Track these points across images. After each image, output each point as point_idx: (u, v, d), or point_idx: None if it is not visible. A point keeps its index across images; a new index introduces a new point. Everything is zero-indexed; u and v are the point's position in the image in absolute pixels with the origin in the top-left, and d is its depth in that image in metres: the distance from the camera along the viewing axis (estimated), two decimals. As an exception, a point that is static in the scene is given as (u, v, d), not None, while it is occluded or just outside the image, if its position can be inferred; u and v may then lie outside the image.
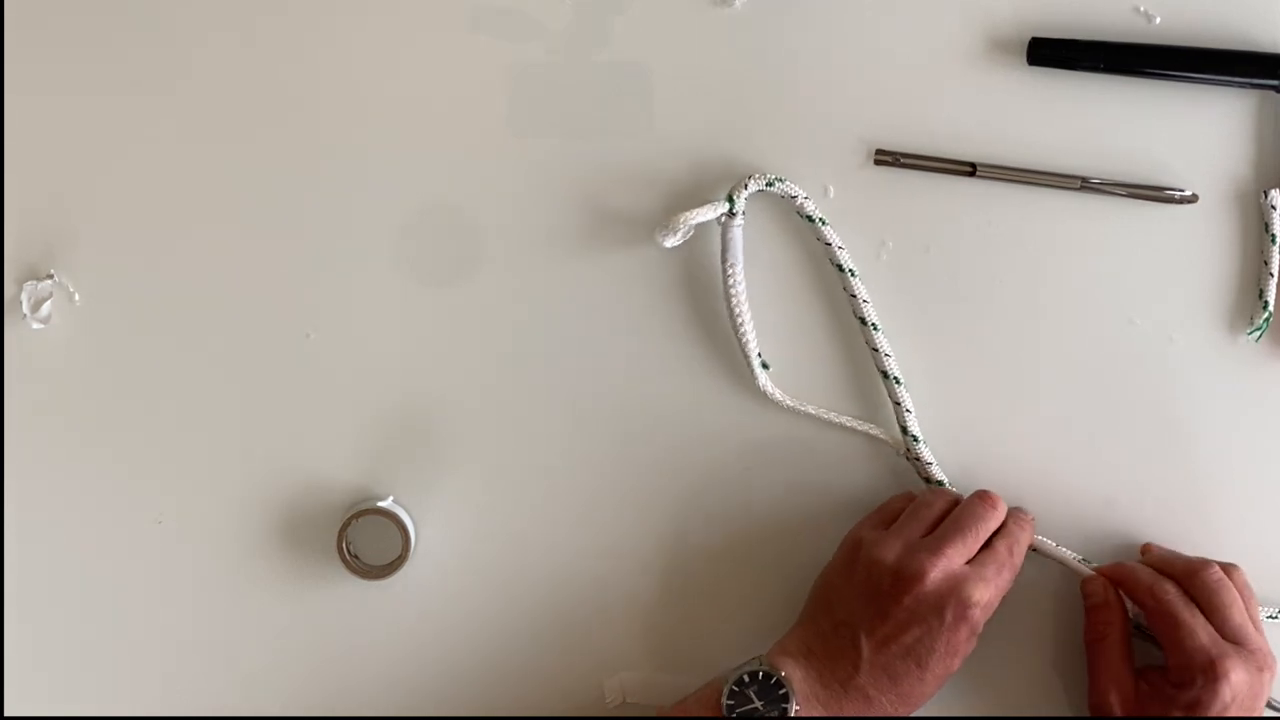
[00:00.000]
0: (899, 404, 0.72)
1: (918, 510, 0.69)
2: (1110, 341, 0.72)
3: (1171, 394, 0.72)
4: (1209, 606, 0.67)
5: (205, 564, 0.75)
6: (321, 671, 0.75)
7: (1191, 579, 0.68)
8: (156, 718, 0.75)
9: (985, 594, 0.66)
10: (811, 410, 0.72)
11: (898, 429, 0.72)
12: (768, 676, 0.66)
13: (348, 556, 0.73)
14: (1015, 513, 0.70)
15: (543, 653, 0.75)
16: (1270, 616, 0.71)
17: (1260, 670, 0.65)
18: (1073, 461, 0.72)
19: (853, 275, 0.71)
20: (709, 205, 0.70)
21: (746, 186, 0.70)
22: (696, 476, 0.74)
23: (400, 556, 0.73)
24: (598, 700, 0.75)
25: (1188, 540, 0.71)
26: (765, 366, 0.72)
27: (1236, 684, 0.64)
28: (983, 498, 0.69)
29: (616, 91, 0.72)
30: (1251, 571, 0.72)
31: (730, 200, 0.70)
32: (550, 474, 0.74)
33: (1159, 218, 0.71)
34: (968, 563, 0.67)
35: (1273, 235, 0.70)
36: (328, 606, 0.75)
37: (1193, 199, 0.71)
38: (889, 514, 0.71)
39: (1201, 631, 0.66)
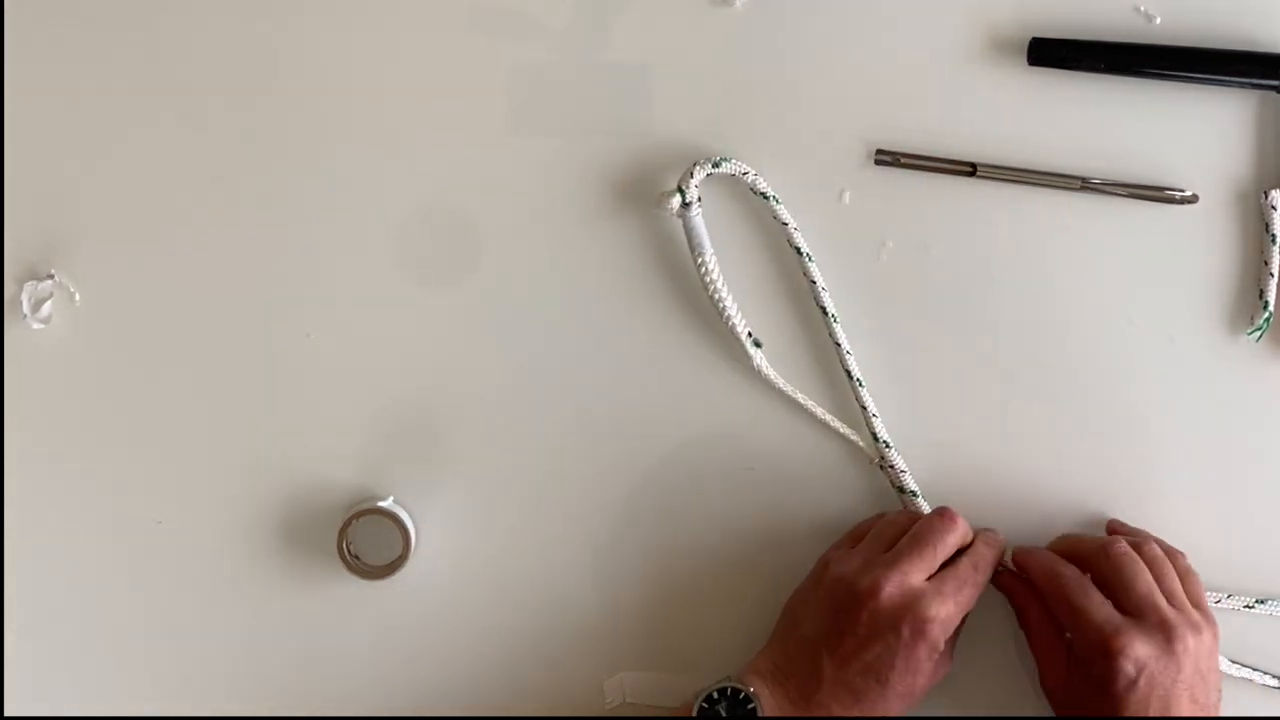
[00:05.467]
0: (864, 408, 0.71)
1: (882, 529, 0.69)
2: (1110, 341, 0.72)
3: (1171, 394, 0.72)
4: (1112, 583, 0.66)
5: (205, 564, 0.75)
6: (321, 671, 0.75)
7: (1096, 557, 0.67)
8: (156, 718, 0.75)
9: (942, 610, 0.65)
10: (802, 399, 0.72)
11: (869, 434, 0.72)
12: (735, 692, 0.66)
13: (348, 556, 0.73)
14: (984, 533, 0.70)
15: (542, 653, 0.75)
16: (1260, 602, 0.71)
17: (1169, 641, 0.63)
18: (1072, 462, 0.72)
19: (809, 260, 0.71)
20: (672, 196, 0.70)
21: (693, 174, 0.69)
22: (696, 477, 0.74)
23: (400, 556, 0.73)
24: (598, 700, 0.75)
25: (1188, 540, 0.71)
26: (758, 345, 0.71)
27: (1139, 658, 0.62)
28: (941, 514, 0.68)
29: (616, 91, 0.72)
30: (1252, 570, 0.72)
31: (680, 191, 0.70)
32: (550, 474, 0.74)
33: (1159, 218, 0.71)
34: (929, 579, 0.66)
35: (1273, 235, 0.70)
36: (328, 606, 0.75)
37: (1193, 199, 0.71)
38: (858, 535, 0.71)
39: (1096, 611, 0.64)
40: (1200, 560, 0.70)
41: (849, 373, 0.72)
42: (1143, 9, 0.70)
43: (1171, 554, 0.69)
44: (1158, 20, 0.70)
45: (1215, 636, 0.65)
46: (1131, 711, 0.62)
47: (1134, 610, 0.65)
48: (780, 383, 0.72)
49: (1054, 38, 0.70)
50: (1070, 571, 0.67)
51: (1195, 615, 0.65)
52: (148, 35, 0.72)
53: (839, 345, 0.72)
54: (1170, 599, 0.65)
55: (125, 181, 0.73)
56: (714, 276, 0.71)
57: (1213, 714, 0.64)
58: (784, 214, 0.71)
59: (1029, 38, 0.70)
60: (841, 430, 0.72)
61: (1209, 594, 0.70)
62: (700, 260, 0.70)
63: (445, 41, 0.72)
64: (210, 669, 0.75)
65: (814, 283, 0.71)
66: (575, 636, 0.75)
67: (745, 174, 0.70)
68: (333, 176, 0.73)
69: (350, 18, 0.72)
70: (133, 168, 0.73)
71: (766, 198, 0.71)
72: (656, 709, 0.74)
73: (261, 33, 0.72)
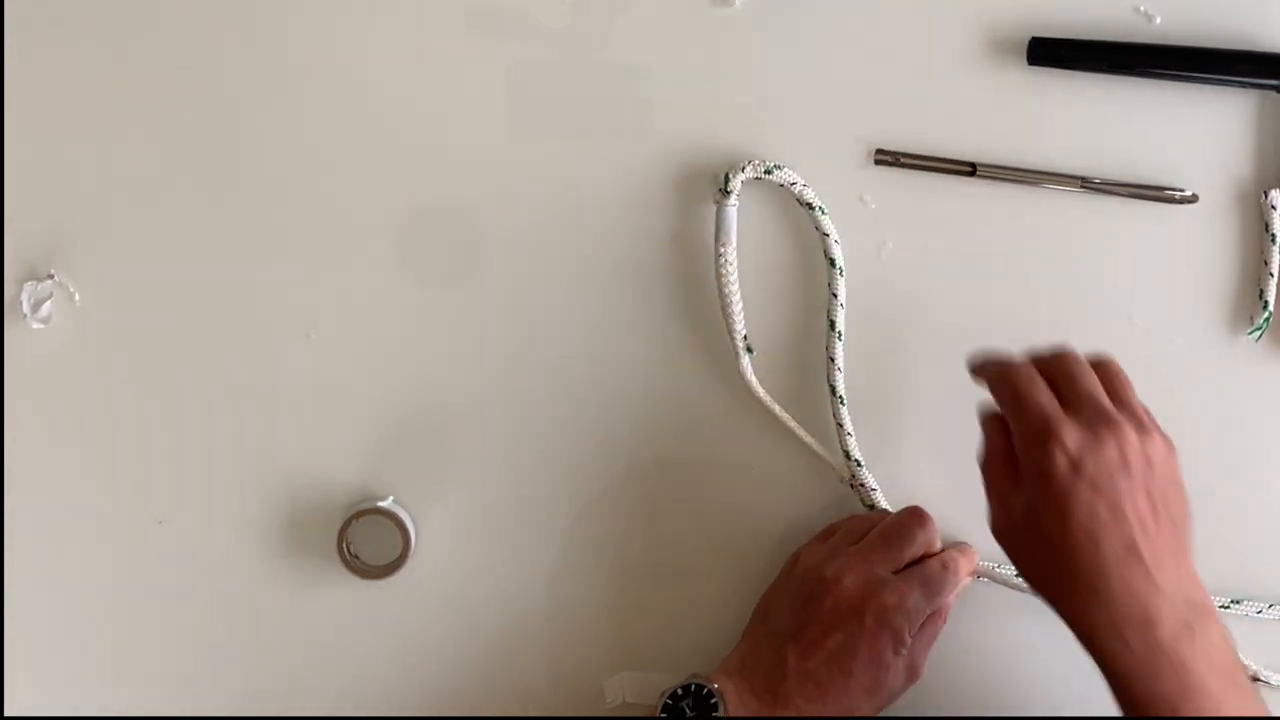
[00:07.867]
0: (840, 425, 0.71)
1: (853, 525, 0.70)
2: (1110, 341, 0.72)
3: (1171, 394, 0.72)
4: (1057, 381, 0.62)
5: (205, 564, 0.75)
6: (321, 671, 0.75)
7: (1044, 360, 0.64)
8: (156, 718, 0.75)
9: (906, 599, 0.65)
10: (778, 411, 0.72)
11: (842, 452, 0.72)
12: (699, 688, 0.66)
13: (348, 556, 0.73)
14: (958, 544, 0.70)
15: (542, 653, 0.75)
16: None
17: (1107, 431, 0.59)
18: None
19: (840, 274, 0.71)
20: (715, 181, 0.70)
21: (744, 170, 0.70)
22: (698, 479, 0.74)
23: (400, 556, 0.73)
24: (598, 700, 0.75)
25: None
26: (749, 350, 0.71)
27: (1074, 446, 0.59)
28: (912, 512, 0.69)
29: (616, 91, 0.72)
30: (1250, 570, 0.72)
31: (726, 178, 0.70)
32: (550, 473, 0.74)
33: (1159, 218, 0.71)
34: (896, 573, 0.67)
35: (1273, 235, 0.70)
36: (328, 606, 0.75)
37: (1193, 199, 0.71)
38: (830, 533, 0.71)
39: (1038, 397, 0.61)
40: (1200, 560, 0.70)
41: (833, 388, 0.71)
42: (1143, 9, 0.70)
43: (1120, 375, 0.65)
44: (1158, 20, 0.70)
45: (1170, 447, 0.61)
46: (1078, 509, 0.58)
47: (1074, 404, 0.61)
48: (760, 393, 0.72)
49: (1054, 37, 0.70)
50: (1023, 367, 0.63)
51: (1144, 418, 0.62)
52: (148, 35, 0.72)
53: (832, 360, 0.71)
54: (1118, 402, 0.62)
55: (125, 182, 0.73)
56: (730, 269, 0.70)
57: (1184, 527, 0.61)
58: (827, 225, 0.71)
59: (1029, 37, 0.70)
60: (816, 449, 0.72)
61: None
62: (722, 251, 0.70)
63: (445, 42, 0.72)
64: (209, 668, 0.75)
65: (835, 296, 0.71)
66: (575, 636, 0.75)
67: (794, 183, 0.70)
68: (333, 176, 0.73)
69: (351, 18, 0.72)
70: (133, 168, 0.73)
71: (812, 208, 0.71)
72: (655, 709, 0.74)
73: (262, 34, 0.72)
